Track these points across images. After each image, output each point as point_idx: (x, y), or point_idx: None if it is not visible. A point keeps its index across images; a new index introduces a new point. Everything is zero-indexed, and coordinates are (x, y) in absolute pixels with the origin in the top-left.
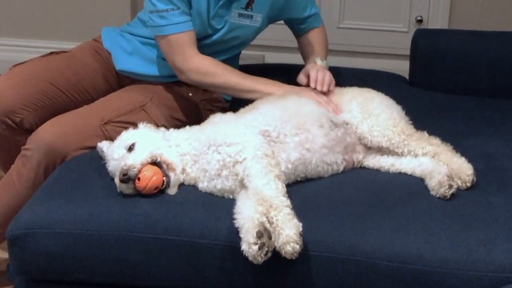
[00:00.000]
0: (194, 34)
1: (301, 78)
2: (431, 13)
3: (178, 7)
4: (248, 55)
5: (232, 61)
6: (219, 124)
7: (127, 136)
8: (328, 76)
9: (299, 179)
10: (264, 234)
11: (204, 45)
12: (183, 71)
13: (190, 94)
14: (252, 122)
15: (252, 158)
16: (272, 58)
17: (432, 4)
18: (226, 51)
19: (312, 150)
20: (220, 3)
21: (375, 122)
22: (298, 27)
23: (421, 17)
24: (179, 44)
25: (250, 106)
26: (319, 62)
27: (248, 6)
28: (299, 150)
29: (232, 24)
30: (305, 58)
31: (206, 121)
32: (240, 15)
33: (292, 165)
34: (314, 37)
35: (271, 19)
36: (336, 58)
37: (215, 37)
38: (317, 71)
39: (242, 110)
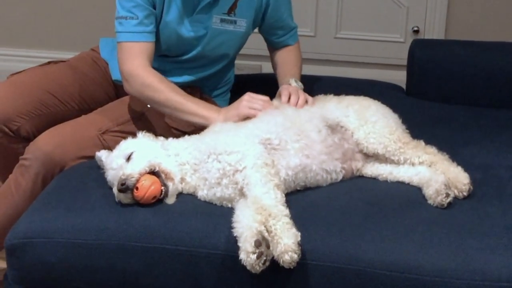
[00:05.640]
0: (150, 46)
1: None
2: (427, 24)
3: (137, 17)
4: (245, 65)
5: (223, 74)
6: (220, 133)
7: (126, 145)
8: (301, 99)
9: (298, 188)
10: (262, 243)
11: (190, 59)
12: (128, 79)
13: None
14: (253, 131)
15: (252, 166)
16: (269, 68)
17: (428, 14)
18: (212, 64)
19: (312, 156)
20: (198, 8)
21: (372, 129)
22: (273, 40)
23: (418, 27)
24: (130, 52)
25: None
26: (293, 83)
27: (230, 11)
28: (299, 156)
29: (215, 30)
30: (279, 77)
31: (206, 130)
32: (222, 20)
33: (292, 171)
34: (288, 56)
35: (254, 25)
36: (333, 68)
37: (200, 47)
38: (289, 95)
39: None
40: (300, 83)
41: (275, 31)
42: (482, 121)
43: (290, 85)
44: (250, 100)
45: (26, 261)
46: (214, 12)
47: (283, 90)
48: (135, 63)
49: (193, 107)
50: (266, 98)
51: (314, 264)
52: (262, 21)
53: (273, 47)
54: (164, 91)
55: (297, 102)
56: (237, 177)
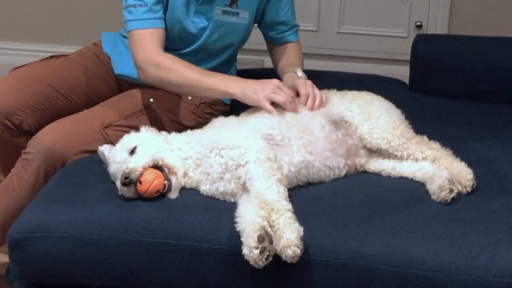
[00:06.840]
0: (161, 32)
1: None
2: (430, 19)
3: (146, 4)
4: (247, 60)
5: (225, 68)
6: (222, 128)
7: (129, 139)
8: (317, 102)
9: (301, 184)
10: (265, 238)
11: (191, 52)
12: (142, 67)
13: (189, 98)
14: (256, 126)
15: (255, 161)
16: (271, 63)
17: (431, 9)
18: (213, 58)
19: (315, 153)
20: None
21: (375, 124)
22: (273, 35)
23: (421, 22)
24: (141, 40)
25: (251, 109)
26: (299, 73)
27: (233, 3)
28: (302, 153)
29: (217, 22)
30: (281, 68)
31: (209, 125)
32: (225, 12)
33: (295, 168)
34: (290, 50)
35: (257, 18)
36: (336, 63)
37: (202, 39)
38: (307, 89)
39: (245, 114)
40: (305, 74)
41: (276, 26)
42: (486, 117)
43: (297, 75)
44: (275, 89)
45: (28, 255)
46: (216, 3)
47: (301, 88)
48: (147, 49)
49: (210, 82)
50: (292, 94)
51: (317, 259)
52: (262, 14)
53: (273, 43)
54: (179, 70)
55: (313, 104)
56: (240, 171)
